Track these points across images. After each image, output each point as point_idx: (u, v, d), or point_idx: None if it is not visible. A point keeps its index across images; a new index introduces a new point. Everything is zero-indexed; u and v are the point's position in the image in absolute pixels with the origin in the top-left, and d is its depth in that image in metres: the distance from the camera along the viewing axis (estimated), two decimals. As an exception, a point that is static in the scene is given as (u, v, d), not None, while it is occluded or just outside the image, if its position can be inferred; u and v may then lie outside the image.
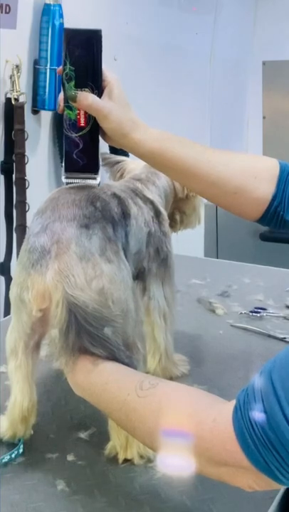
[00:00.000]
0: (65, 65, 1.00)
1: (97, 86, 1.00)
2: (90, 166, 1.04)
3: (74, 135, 1.01)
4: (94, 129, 1.02)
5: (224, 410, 0.75)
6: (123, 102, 1.01)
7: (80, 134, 1.01)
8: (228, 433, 0.73)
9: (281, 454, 0.69)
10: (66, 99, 1.00)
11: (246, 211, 1.10)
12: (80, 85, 0.99)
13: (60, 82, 2.05)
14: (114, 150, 2.32)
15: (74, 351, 0.92)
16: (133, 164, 1.34)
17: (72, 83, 0.99)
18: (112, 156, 1.39)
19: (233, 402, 0.75)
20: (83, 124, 1.01)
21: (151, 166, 1.10)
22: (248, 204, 1.08)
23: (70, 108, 1.00)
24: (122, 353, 0.95)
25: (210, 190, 1.08)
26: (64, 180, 1.06)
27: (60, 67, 1.02)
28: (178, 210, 1.37)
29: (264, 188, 1.08)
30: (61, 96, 1.02)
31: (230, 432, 0.73)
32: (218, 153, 1.09)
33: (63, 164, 1.05)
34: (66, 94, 1.00)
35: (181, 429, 0.78)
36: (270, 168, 1.10)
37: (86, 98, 0.98)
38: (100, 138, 1.04)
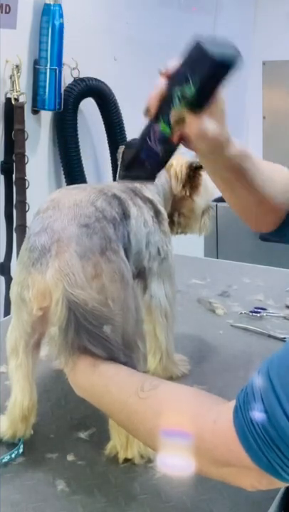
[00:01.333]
0: (185, 80, 0.86)
1: (204, 107, 0.90)
2: (153, 176, 0.96)
3: (159, 148, 0.90)
4: (177, 147, 0.93)
5: (224, 411, 0.75)
6: (223, 120, 0.95)
7: (167, 149, 0.91)
8: (229, 433, 0.73)
9: (283, 451, 0.69)
10: (168, 114, 0.89)
11: (263, 222, 1.11)
12: (192, 108, 0.88)
13: (60, 81, 2.07)
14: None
15: (73, 350, 0.92)
16: None
17: (184, 103, 0.87)
18: None
19: (233, 403, 0.75)
20: (175, 142, 0.91)
21: (228, 178, 1.02)
22: (264, 215, 1.09)
23: (168, 125, 0.89)
24: (121, 352, 0.94)
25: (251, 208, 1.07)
26: (123, 175, 0.96)
27: (168, 72, 0.90)
28: (177, 211, 1.37)
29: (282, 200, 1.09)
30: (154, 101, 0.91)
31: (231, 432, 0.73)
32: (268, 170, 1.08)
33: (126, 164, 0.95)
34: (171, 109, 0.88)
35: (182, 430, 0.78)
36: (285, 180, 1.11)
37: (198, 124, 0.89)
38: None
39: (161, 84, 0.90)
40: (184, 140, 0.92)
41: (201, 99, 0.88)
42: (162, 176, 1.30)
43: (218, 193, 1.25)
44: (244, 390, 0.74)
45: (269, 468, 0.71)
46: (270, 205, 1.08)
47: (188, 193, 1.33)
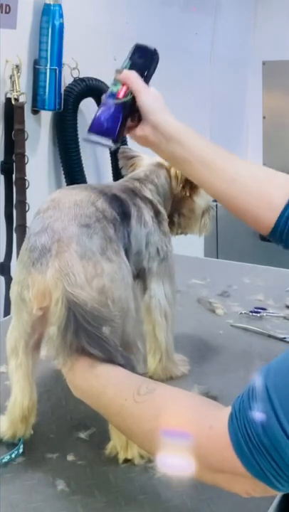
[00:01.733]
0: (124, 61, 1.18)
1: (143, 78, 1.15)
2: (111, 132, 1.11)
3: (109, 100, 1.12)
4: (128, 103, 1.12)
5: (220, 417, 0.75)
6: (153, 123, 1.11)
7: (116, 102, 1.12)
8: (224, 440, 0.73)
9: (276, 460, 0.69)
10: (114, 79, 1.15)
11: (258, 217, 1.08)
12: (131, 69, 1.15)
13: (60, 81, 2.07)
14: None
15: (71, 350, 0.92)
16: (144, 161, 1.34)
17: (125, 65, 1.17)
18: (130, 150, 1.40)
19: (230, 409, 0.75)
20: (121, 96, 1.12)
21: (173, 152, 1.10)
22: (261, 209, 1.07)
23: (115, 84, 1.14)
24: (119, 353, 0.94)
25: (227, 188, 1.08)
26: (83, 137, 1.15)
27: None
28: (176, 212, 1.36)
29: (278, 194, 1.07)
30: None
31: (226, 439, 0.73)
32: (235, 155, 1.11)
33: (88, 128, 1.14)
34: (116, 72, 1.15)
35: (178, 434, 0.78)
36: (282, 179, 1.10)
37: (132, 73, 1.13)
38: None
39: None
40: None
41: (135, 65, 1.16)
42: (162, 176, 1.30)
43: None
44: (240, 398, 0.74)
45: (262, 477, 0.71)
46: (263, 198, 1.07)
47: (188, 194, 1.33)
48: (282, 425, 0.68)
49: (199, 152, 1.09)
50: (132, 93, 1.12)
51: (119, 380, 0.91)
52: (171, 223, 1.34)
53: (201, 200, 1.36)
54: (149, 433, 0.83)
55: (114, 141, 1.12)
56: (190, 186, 1.32)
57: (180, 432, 0.78)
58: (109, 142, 1.11)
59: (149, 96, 1.11)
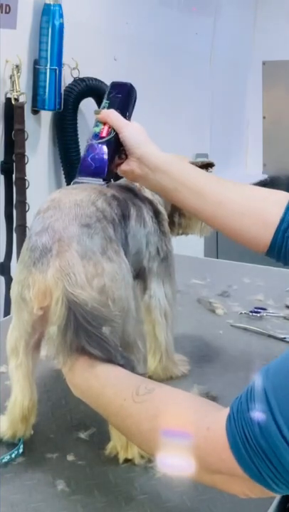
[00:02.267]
0: (103, 102, 1.21)
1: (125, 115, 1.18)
2: (100, 172, 1.13)
3: (93, 142, 1.15)
4: (112, 141, 1.15)
5: (218, 418, 0.75)
6: (138, 158, 1.13)
7: (99, 141, 1.14)
8: (221, 442, 0.73)
9: (274, 463, 0.69)
10: (96, 121, 1.17)
11: (254, 236, 1.07)
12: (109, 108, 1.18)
13: (60, 81, 2.06)
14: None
15: (71, 350, 0.92)
16: None
17: (104, 105, 1.19)
18: None
19: (228, 410, 0.75)
20: (104, 135, 1.15)
21: (160, 182, 1.12)
22: (255, 227, 1.06)
23: (97, 125, 1.17)
24: (119, 354, 0.94)
25: (217, 211, 1.08)
26: (74, 180, 1.14)
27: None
28: (177, 212, 1.36)
29: (272, 211, 1.06)
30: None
31: (223, 440, 0.73)
32: (227, 180, 1.12)
33: (78, 170, 1.15)
34: (95, 114, 1.18)
35: (176, 434, 0.78)
36: (280, 195, 1.09)
37: (111, 111, 1.15)
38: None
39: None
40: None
41: (114, 104, 1.19)
42: None
43: None
44: (238, 399, 0.74)
45: (259, 479, 0.71)
46: (256, 216, 1.07)
47: None
48: (280, 427, 0.68)
49: (187, 180, 1.10)
50: (114, 131, 1.15)
51: (119, 380, 0.91)
52: (171, 223, 1.34)
53: None
54: (147, 433, 0.83)
55: (105, 180, 1.13)
56: None
57: (178, 433, 0.78)
58: (100, 181, 1.12)
59: (131, 130, 1.14)
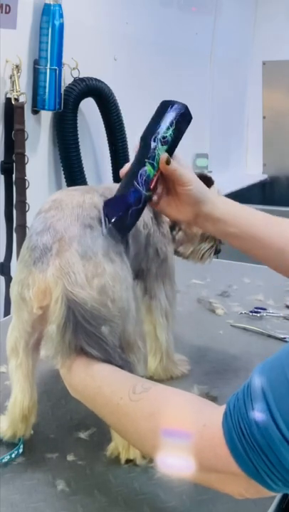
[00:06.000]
0: (161, 128, 1.04)
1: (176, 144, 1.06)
2: (130, 228, 1.05)
3: (143, 192, 1.03)
4: (149, 199, 1.05)
5: (214, 415, 0.75)
6: (187, 200, 1.07)
7: (147, 194, 1.03)
8: (218, 438, 0.73)
9: (270, 458, 0.68)
10: (152, 157, 1.03)
11: None
12: (169, 153, 1.04)
13: (60, 81, 2.06)
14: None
15: (70, 349, 0.92)
16: None
17: (166, 147, 1.03)
18: None
19: (224, 407, 0.75)
20: (152, 187, 1.03)
21: (222, 230, 1.09)
22: None
23: (152, 166, 1.03)
24: (117, 354, 0.94)
25: (278, 258, 1.09)
26: (107, 227, 1.01)
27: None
28: (178, 226, 1.30)
29: None
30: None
31: (220, 436, 0.72)
32: (280, 221, 1.10)
33: (109, 215, 1.01)
34: (155, 153, 1.03)
35: (171, 433, 0.77)
36: None
37: (177, 168, 1.03)
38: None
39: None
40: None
41: (175, 144, 1.05)
42: None
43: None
44: (236, 395, 0.74)
45: (255, 475, 0.70)
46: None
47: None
48: (277, 423, 0.68)
49: (250, 229, 1.08)
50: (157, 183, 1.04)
51: (115, 379, 0.91)
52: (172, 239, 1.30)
53: None
54: (144, 431, 0.83)
55: (121, 235, 1.03)
56: None
57: (175, 431, 0.77)
58: (116, 236, 1.02)
59: (198, 186, 1.06)
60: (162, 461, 0.81)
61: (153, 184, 1.04)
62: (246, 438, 0.70)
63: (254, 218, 1.10)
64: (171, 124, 1.04)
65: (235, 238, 1.09)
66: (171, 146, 1.04)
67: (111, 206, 1.02)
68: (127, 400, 0.85)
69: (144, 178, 1.03)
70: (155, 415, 0.81)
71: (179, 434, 0.77)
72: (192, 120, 1.10)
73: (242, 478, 0.72)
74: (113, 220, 1.01)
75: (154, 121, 1.05)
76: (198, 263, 1.38)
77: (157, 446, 0.80)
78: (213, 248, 1.36)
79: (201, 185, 1.07)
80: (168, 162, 1.02)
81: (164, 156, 1.02)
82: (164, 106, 1.05)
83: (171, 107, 1.05)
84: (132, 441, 0.89)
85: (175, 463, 0.77)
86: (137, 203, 1.02)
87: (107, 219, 1.01)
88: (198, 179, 1.08)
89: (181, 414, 0.80)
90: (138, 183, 1.02)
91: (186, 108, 1.06)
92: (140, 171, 1.03)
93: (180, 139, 1.05)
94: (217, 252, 1.38)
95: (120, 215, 1.01)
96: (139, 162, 1.04)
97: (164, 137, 1.03)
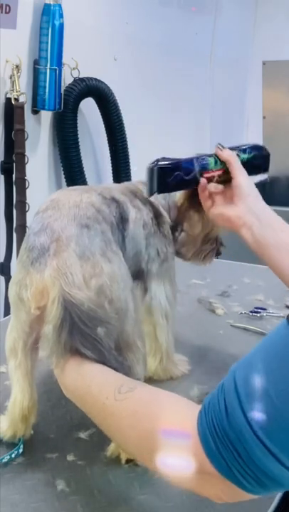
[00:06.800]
0: (245, 151, 1.23)
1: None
2: (165, 188, 1.15)
3: (195, 170, 1.15)
4: (197, 183, 1.16)
5: (192, 415, 0.74)
6: (243, 210, 1.15)
7: (198, 175, 1.16)
8: (193, 437, 0.72)
9: (241, 454, 0.67)
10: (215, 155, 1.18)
11: None
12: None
13: (60, 81, 2.06)
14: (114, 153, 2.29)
15: (65, 350, 0.92)
16: None
17: (246, 156, 1.22)
18: None
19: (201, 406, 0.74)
20: (206, 176, 1.16)
21: (264, 236, 1.13)
22: None
23: (216, 163, 1.17)
24: (112, 357, 0.94)
25: None
26: (148, 165, 1.13)
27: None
28: (180, 226, 1.30)
29: None
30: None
31: (195, 435, 0.72)
32: None
33: (161, 160, 1.13)
34: (218, 148, 1.19)
35: (151, 435, 0.77)
36: None
37: (234, 156, 1.18)
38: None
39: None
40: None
41: (252, 168, 1.21)
42: None
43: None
44: (211, 394, 0.73)
45: (228, 474, 0.69)
46: None
47: (187, 203, 1.27)
48: (247, 416, 0.67)
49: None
50: (213, 181, 1.16)
51: (104, 379, 0.90)
52: (174, 240, 1.30)
53: (205, 219, 1.29)
54: (126, 431, 0.82)
55: (157, 192, 1.15)
56: (192, 201, 1.25)
57: (154, 431, 0.76)
58: (155, 192, 1.14)
59: (247, 178, 1.16)
60: (144, 460, 0.81)
61: (208, 175, 1.16)
62: (218, 433, 0.69)
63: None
64: (251, 154, 1.23)
65: (274, 248, 1.12)
66: (243, 164, 1.18)
67: (166, 159, 1.13)
68: (112, 399, 0.84)
69: (204, 163, 1.16)
70: (137, 414, 0.81)
71: (159, 434, 0.76)
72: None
73: (217, 479, 0.70)
74: (162, 164, 1.12)
75: (240, 145, 1.24)
76: (200, 265, 1.38)
77: (139, 445, 0.80)
78: (214, 250, 1.37)
79: (251, 182, 1.16)
80: (221, 147, 1.18)
81: (220, 145, 1.18)
82: (256, 145, 1.27)
83: (261, 149, 1.26)
84: (116, 440, 0.89)
85: (157, 462, 0.77)
86: (186, 173, 1.14)
87: (156, 162, 1.11)
88: (248, 177, 1.17)
89: (162, 414, 0.79)
90: (197, 162, 1.15)
91: (269, 156, 1.26)
92: (204, 157, 1.17)
93: (248, 170, 1.18)
94: (218, 254, 1.38)
95: (168, 165, 1.12)
96: (208, 155, 1.18)
97: (239, 155, 1.20)
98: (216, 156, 1.17)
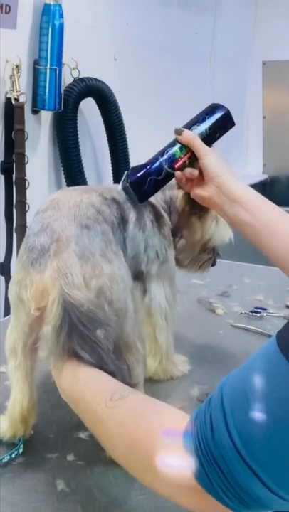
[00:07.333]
0: (199, 122, 1.18)
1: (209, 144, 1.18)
2: (146, 196, 1.15)
3: (165, 167, 1.14)
4: (172, 176, 1.16)
5: (179, 427, 0.73)
6: (215, 186, 1.14)
7: (169, 170, 1.15)
8: (179, 450, 0.71)
9: (224, 471, 0.66)
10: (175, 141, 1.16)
11: None
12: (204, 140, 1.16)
13: (60, 81, 2.06)
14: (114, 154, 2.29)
15: (63, 351, 0.91)
16: None
17: (206, 129, 1.18)
18: None
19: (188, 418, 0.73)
20: (176, 166, 1.15)
21: (237, 214, 1.12)
22: None
23: (180, 149, 1.15)
24: (110, 359, 0.93)
25: (285, 257, 1.09)
26: (121, 186, 1.15)
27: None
28: (180, 232, 1.30)
29: None
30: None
31: (180, 448, 0.71)
32: None
33: (130, 175, 1.13)
34: (176, 133, 1.16)
35: (137, 445, 0.76)
36: None
37: (195, 137, 1.15)
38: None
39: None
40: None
41: (210, 138, 1.18)
42: (175, 188, 1.27)
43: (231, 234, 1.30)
44: (199, 407, 0.72)
45: (210, 489, 0.68)
46: None
47: (187, 208, 1.27)
48: (230, 431, 0.65)
49: (263, 216, 1.09)
50: (189, 163, 1.15)
51: (98, 385, 0.90)
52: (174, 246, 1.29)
53: (208, 230, 1.30)
54: (114, 439, 0.82)
55: (141, 202, 1.15)
56: (199, 208, 1.25)
57: (141, 441, 0.76)
58: (136, 201, 1.14)
59: (214, 158, 1.14)
60: (131, 469, 0.80)
61: (178, 164, 1.15)
62: (202, 450, 0.68)
63: (271, 211, 1.10)
64: (210, 121, 1.18)
65: (248, 226, 1.10)
66: (205, 139, 1.15)
67: (134, 170, 1.14)
68: (104, 406, 0.83)
69: (169, 155, 1.15)
70: (125, 424, 0.80)
71: (144, 445, 0.75)
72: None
73: (200, 492, 0.69)
74: (132, 179, 1.12)
75: (196, 116, 1.18)
76: (195, 273, 1.38)
77: (126, 454, 0.79)
78: (211, 260, 1.37)
79: (220, 159, 1.15)
80: (178, 132, 1.14)
81: (178, 127, 1.15)
82: (210, 107, 1.20)
83: (218, 109, 1.19)
84: (105, 447, 0.87)
85: (143, 474, 0.76)
86: (157, 174, 1.13)
87: (127, 178, 1.11)
88: (218, 152, 1.16)
89: (149, 425, 0.78)
90: (163, 159, 1.14)
91: (228, 112, 1.20)
92: (168, 150, 1.15)
93: (215, 137, 1.18)
94: (213, 264, 1.39)
95: (138, 177, 1.12)
96: (171, 144, 1.16)
97: (200, 130, 1.16)
98: (180, 145, 1.16)
